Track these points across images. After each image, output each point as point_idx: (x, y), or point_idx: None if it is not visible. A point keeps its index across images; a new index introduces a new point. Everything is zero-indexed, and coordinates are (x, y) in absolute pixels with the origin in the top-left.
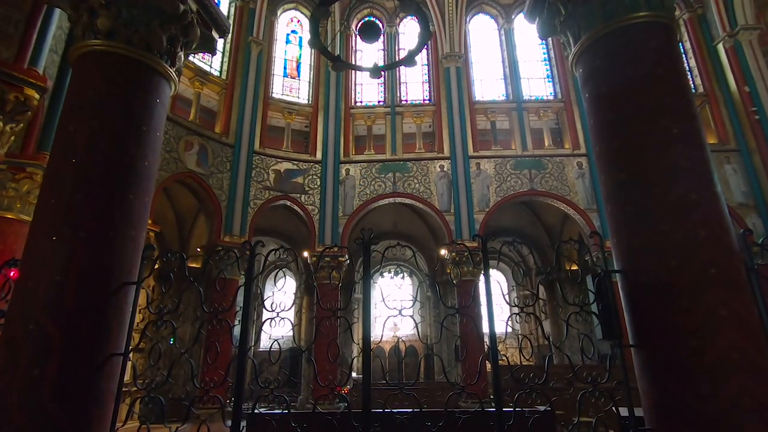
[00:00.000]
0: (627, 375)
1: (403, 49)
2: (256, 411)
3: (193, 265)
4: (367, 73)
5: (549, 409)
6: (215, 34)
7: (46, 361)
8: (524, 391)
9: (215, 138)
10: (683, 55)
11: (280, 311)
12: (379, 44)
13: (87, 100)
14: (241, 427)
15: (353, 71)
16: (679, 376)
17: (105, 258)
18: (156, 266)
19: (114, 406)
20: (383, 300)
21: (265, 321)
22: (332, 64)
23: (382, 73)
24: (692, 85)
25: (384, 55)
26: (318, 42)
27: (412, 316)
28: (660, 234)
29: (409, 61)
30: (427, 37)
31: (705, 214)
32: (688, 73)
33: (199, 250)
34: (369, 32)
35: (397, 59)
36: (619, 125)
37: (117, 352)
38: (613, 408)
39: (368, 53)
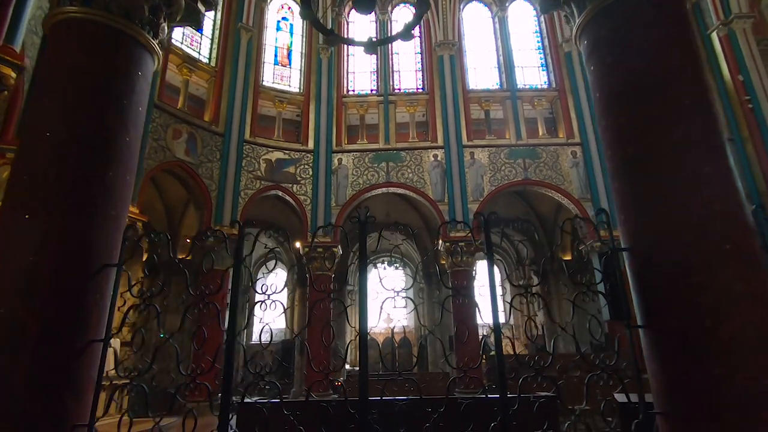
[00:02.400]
0: (636, 357)
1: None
2: (246, 400)
3: (183, 256)
4: (360, 61)
5: (554, 394)
6: (201, 7)
7: (19, 348)
8: (529, 375)
9: (204, 126)
10: None
11: (271, 293)
12: (372, 32)
13: (63, 71)
14: (230, 418)
15: (346, 60)
16: (692, 356)
17: (83, 239)
18: (145, 253)
19: (94, 396)
20: (380, 281)
21: (256, 303)
22: (325, 38)
23: (377, 49)
24: None
25: (377, 31)
26: (310, 14)
27: (411, 299)
28: (672, 209)
29: (406, 34)
30: (425, 7)
31: (719, 188)
32: None
33: (188, 240)
34: (363, 3)
35: (391, 47)
36: (626, 97)
37: (97, 339)
38: (622, 392)
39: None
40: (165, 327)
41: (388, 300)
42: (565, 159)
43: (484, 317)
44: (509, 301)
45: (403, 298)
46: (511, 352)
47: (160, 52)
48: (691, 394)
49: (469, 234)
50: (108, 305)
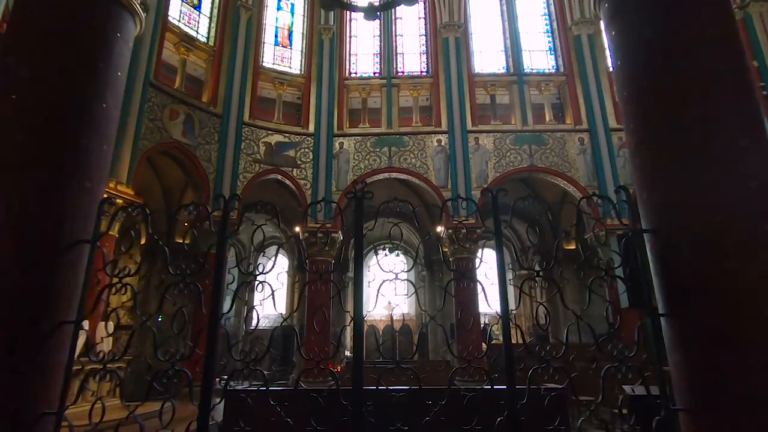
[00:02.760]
0: (658, 349)
1: (400, 18)
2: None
3: (180, 241)
4: (363, 43)
5: (565, 386)
6: None
7: None
8: (539, 366)
9: (202, 107)
10: None
11: (258, 273)
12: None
13: (32, 28)
14: (213, 407)
15: (348, 41)
16: (724, 348)
17: (53, 212)
18: (143, 236)
19: (64, 382)
20: (378, 263)
21: (240, 285)
22: (322, 1)
23: (379, 15)
24: None
25: (380, 26)
26: None
27: (411, 282)
28: (703, 186)
29: None
30: None
31: (756, 162)
32: None
33: (186, 224)
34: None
35: (394, 28)
36: (653, 62)
37: (68, 320)
38: (642, 386)
39: (365, 22)
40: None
41: (388, 285)
42: (572, 146)
43: (487, 305)
44: (518, 286)
45: (403, 281)
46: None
47: (143, 16)
48: (720, 389)
49: (472, 219)
50: (80, 284)
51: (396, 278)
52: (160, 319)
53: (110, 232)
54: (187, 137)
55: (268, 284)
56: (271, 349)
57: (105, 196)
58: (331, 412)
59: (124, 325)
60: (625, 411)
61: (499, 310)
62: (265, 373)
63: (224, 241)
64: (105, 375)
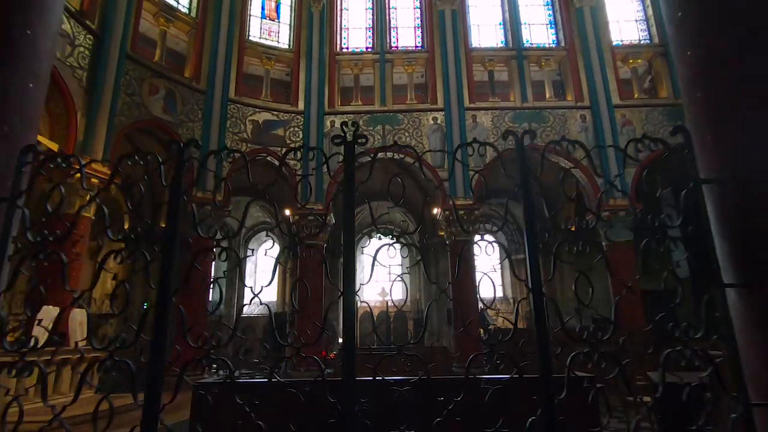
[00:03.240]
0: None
1: None
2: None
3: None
4: (355, 16)
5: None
6: None
7: None
8: (583, 352)
9: (184, 83)
10: None
11: (219, 239)
12: None
13: None
14: (163, 406)
15: (339, 14)
16: None
17: None
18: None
19: None
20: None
21: (201, 251)
22: None
23: None
24: None
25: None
26: None
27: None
28: None
29: None
30: None
31: None
32: None
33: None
34: None
35: (388, 1)
36: None
37: None
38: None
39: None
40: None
41: (383, 272)
42: (574, 123)
43: (483, 292)
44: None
45: (401, 246)
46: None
47: None
48: None
49: (470, 200)
50: None
51: (393, 243)
52: (145, 307)
53: (84, 213)
54: (169, 114)
55: (234, 251)
56: (259, 338)
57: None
58: (316, 410)
59: (105, 313)
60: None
61: (499, 294)
62: (217, 359)
63: (178, 200)
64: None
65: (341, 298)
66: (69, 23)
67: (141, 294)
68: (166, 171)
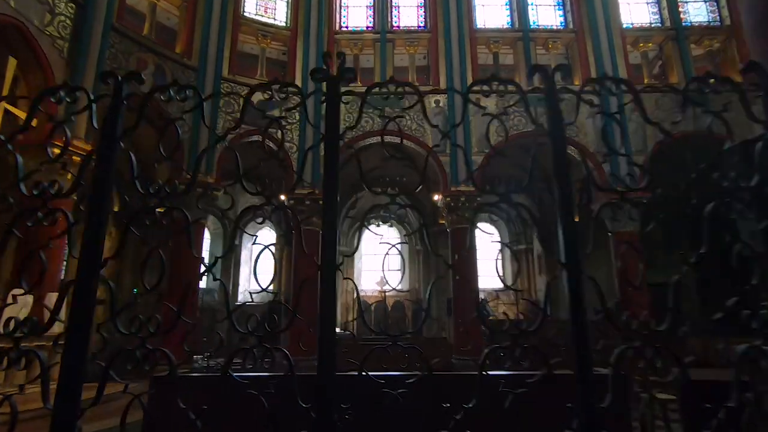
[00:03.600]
0: None
1: None
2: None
3: (159, 210)
4: None
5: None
6: None
7: None
8: (630, 347)
9: (175, 58)
10: None
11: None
12: None
13: None
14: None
15: None
16: None
17: None
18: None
19: None
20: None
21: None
22: None
23: None
24: (718, 17)
25: None
26: None
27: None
28: None
29: None
30: None
31: None
32: (714, 3)
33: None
34: None
35: None
36: None
37: None
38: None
39: None
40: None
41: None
42: (582, 109)
43: (483, 281)
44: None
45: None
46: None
47: None
48: None
49: (471, 187)
50: None
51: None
52: (135, 292)
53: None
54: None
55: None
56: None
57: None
58: (284, 417)
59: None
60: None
61: (499, 285)
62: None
63: (111, 144)
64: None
65: (319, 273)
66: None
67: (130, 278)
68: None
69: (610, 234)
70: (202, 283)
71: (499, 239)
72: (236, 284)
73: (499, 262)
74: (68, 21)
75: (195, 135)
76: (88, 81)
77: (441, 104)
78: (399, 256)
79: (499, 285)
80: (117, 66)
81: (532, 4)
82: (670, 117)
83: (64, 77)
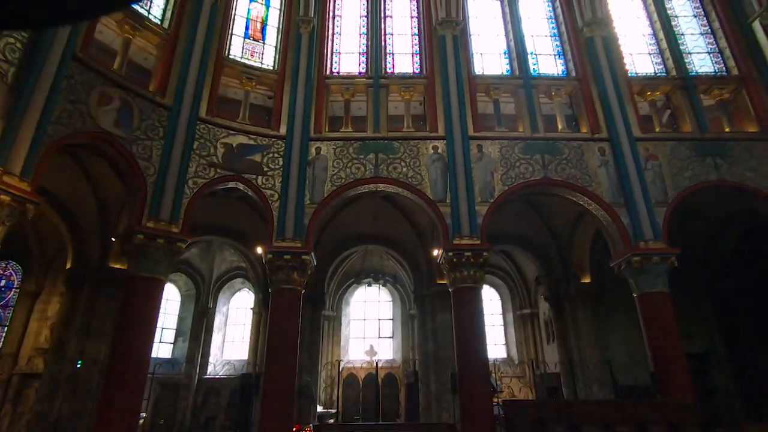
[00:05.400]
0: None
1: (390, 17)
2: None
3: (117, 266)
4: (347, 41)
5: None
6: None
7: None
8: None
9: (146, 95)
10: (712, 35)
11: None
12: (362, 11)
13: None
14: None
15: (330, 38)
16: None
17: None
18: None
19: None
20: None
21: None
22: None
23: None
24: (724, 68)
25: (367, 23)
26: None
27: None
28: None
29: None
30: None
31: None
32: (719, 55)
33: (113, 240)
34: None
35: (383, 26)
36: None
37: None
38: None
39: (350, 18)
40: (87, 356)
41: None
42: (592, 156)
43: (491, 350)
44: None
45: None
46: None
47: None
48: None
49: (477, 240)
50: None
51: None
52: (79, 365)
53: None
54: (122, 129)
55: None
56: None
57: None
58: None
59: (30, 373)
60: None
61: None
62: None
63: None
64: None
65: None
66: None
67: (75, 347)
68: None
69: (635, 296)
70: (167, 352)
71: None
72: (206, 353)
73: (501, 329)
74: (18, 44)
75: (160, 178)
76: (32, 112)
77: (440, 150)
78: (391, 322)
79: (501, 354)
80: (74, 98)
81: (531, 53)
82: (687, 167)
83: (3, 105)
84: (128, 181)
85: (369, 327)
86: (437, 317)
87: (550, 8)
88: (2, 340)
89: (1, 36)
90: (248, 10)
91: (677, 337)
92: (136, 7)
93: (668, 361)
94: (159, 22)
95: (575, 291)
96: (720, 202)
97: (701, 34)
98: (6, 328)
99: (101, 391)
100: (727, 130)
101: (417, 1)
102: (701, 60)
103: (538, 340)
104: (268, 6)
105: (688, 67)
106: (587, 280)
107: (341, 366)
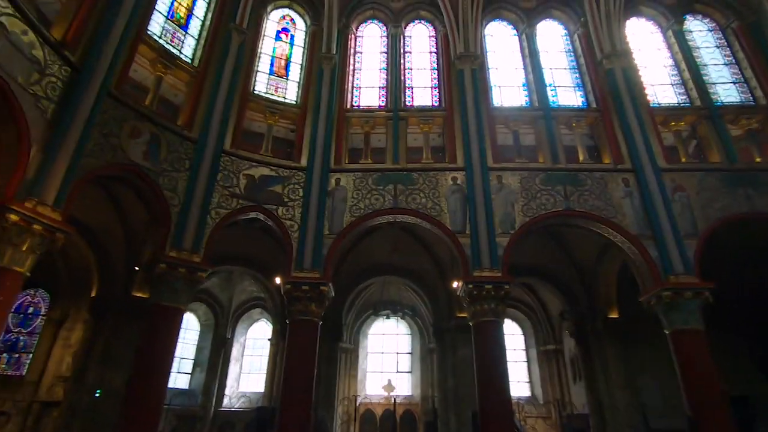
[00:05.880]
0: None
1: (410, 53)
2: None
3: (140, 295)
4: (368, 76)
5: None
6: None
7: None
8: None
9: (174, 129)
10: (736, 65)
11: None
12: (383, 47)
13: None
14: None
15: (351, 74)
16: None
17: None
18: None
19: None
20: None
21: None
22: None
23: None
24: (751, 97)
25: (387, 59)
26: None
27: None
28: None
29: None
30: None
31: None
32: (744, 85)
33: (137, 268)
34: None
35: (403, 62)
36: None
37: None
38: None
39: (370, 55)
40: (107, 387)
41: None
42: (615, 187)
43: (514, 388)
44: None
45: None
46: None
47: None
48: None
49: (498, 272)
50: None
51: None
52: (97, 395)
53: (15, 268)
54: (149, 161)
55: None
56: None
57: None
58: None
59: (50, 401)
60: None
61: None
62: None
63: None
64: None
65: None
66: (43, 50)
67: (95, 376)
68: None
69: (667, 333)
70: (183, 383)
71: (522, 336)
72: (223, 385)
73: (524, 365)
74: (59, 83)
75: (185, 209)
76: (68, 145)
77: (459, 181)
78: (409, 356)
79: (525, 393)
80: (107, 132)
81: (550, 85)
82: (717, 198)
83: (42, 138)
84: (153, 211)
85: (387, 360)
86: (458, 352)
87: (568, 41)
88: (27, 367)
89: (45, 75)
90: (273, 48)
91: (717, 379)
92: (168, 47)
93: (707, 405)
94: (189, 61)
95: (602, 327)
96: (754, 234)
97: (725, 64)
98: (31, 355)
99: (117, 421)
100: (757, 160)
101: (436, 38)
102: (726, 90)
103: (564, 379)
104: (292, 45)
105: (713, 96)
106: (615, 315)
107: (358, 401)
